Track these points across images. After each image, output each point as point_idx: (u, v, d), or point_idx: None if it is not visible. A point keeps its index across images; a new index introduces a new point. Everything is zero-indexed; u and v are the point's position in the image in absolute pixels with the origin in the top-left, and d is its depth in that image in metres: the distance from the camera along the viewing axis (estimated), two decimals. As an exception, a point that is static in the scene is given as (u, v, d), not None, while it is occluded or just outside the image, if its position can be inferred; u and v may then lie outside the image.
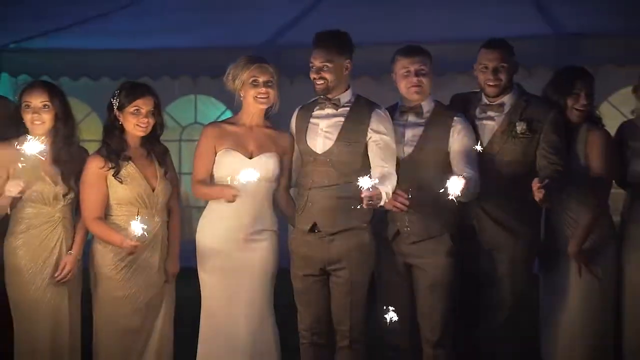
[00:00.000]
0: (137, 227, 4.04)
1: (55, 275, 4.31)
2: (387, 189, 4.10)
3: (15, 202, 4.24)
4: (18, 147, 4.19)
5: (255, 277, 4.40)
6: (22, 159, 4.18)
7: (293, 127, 4.50)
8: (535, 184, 4.00)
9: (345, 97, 4.40)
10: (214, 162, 4.38)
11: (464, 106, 4.56)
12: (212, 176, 4.43)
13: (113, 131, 4.35)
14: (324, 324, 4.43)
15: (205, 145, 4.41)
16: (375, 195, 3.97)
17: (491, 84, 4.42)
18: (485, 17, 8.11)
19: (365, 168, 4.21)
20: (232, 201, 4.24)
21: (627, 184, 4.52)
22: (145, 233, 4.09)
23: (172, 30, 9.07)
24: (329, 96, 4.37)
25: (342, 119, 4.37)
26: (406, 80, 4.38)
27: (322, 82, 4.33)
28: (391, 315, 4.41)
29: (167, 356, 4.47)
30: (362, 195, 3.94)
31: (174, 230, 4.52)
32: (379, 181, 4.05)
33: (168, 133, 4.69)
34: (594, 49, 7.01)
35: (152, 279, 4.37)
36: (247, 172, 4.10)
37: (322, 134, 4.38)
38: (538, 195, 4.00)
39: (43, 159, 4.23)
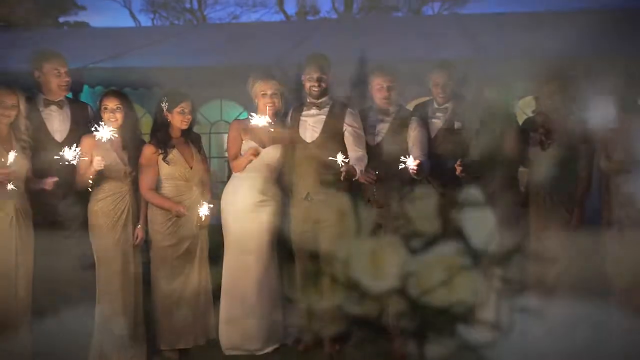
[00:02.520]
0: (204, 209, 4.22)
1: (133, 242, 4.30)
2: (360, 166, 4.14)
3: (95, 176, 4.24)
4: (99, 138, 4.22)
5: (262, 231, 4.43)
6: (101, 146, 4.22)
7: (288, 123, 4.51)
8: (458, 165, 4.09)
9: (327, 101, 4.43)
10: (241, 147, 4.41)
11: (423, 110, 4.58)
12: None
13: (162, 126, 4.38)
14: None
15: (235, 135, 4.46)
16: (352, 169, 4.02)
17: (441, 96, 4.47)
18: (430, 44, 8.15)
19: (342, 152, 4.23)
20: (255, 157, 4.28)
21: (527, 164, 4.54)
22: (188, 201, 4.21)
23: (205, 52, 9.06)
24: (318, 100, 4.39)
25: (324, 116, 4.40)
26: (380, 93, 4.41)
27: (319, 88, 4.37)
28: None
29: (205, 280, 4.48)
30: (342, 170, 3.99)
31: (206, 197, 4.52)
32: (354, 160, 4.12)
33: (200, 128, 4.74)
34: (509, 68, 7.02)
35: (190, 232, 4.38)
36: None
37: (310, 128, 4.42)
38: (458, 169, 4.08)
39: (116, 146, 4.28)
